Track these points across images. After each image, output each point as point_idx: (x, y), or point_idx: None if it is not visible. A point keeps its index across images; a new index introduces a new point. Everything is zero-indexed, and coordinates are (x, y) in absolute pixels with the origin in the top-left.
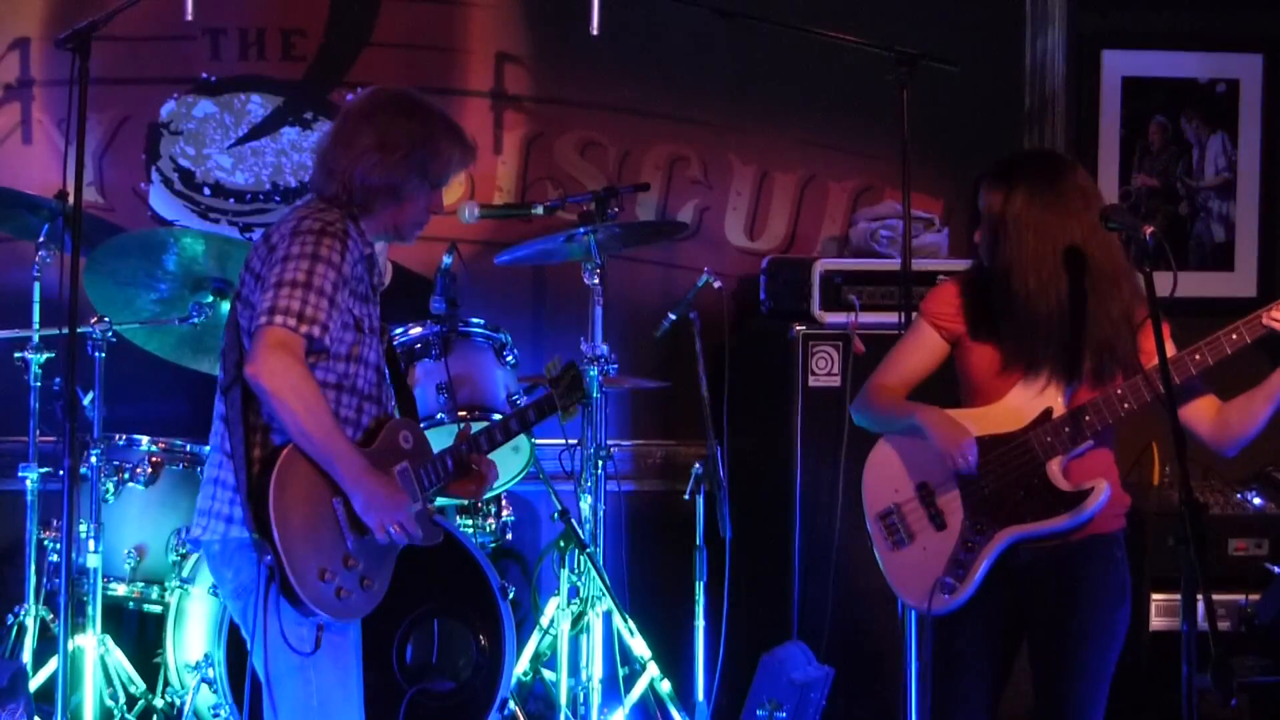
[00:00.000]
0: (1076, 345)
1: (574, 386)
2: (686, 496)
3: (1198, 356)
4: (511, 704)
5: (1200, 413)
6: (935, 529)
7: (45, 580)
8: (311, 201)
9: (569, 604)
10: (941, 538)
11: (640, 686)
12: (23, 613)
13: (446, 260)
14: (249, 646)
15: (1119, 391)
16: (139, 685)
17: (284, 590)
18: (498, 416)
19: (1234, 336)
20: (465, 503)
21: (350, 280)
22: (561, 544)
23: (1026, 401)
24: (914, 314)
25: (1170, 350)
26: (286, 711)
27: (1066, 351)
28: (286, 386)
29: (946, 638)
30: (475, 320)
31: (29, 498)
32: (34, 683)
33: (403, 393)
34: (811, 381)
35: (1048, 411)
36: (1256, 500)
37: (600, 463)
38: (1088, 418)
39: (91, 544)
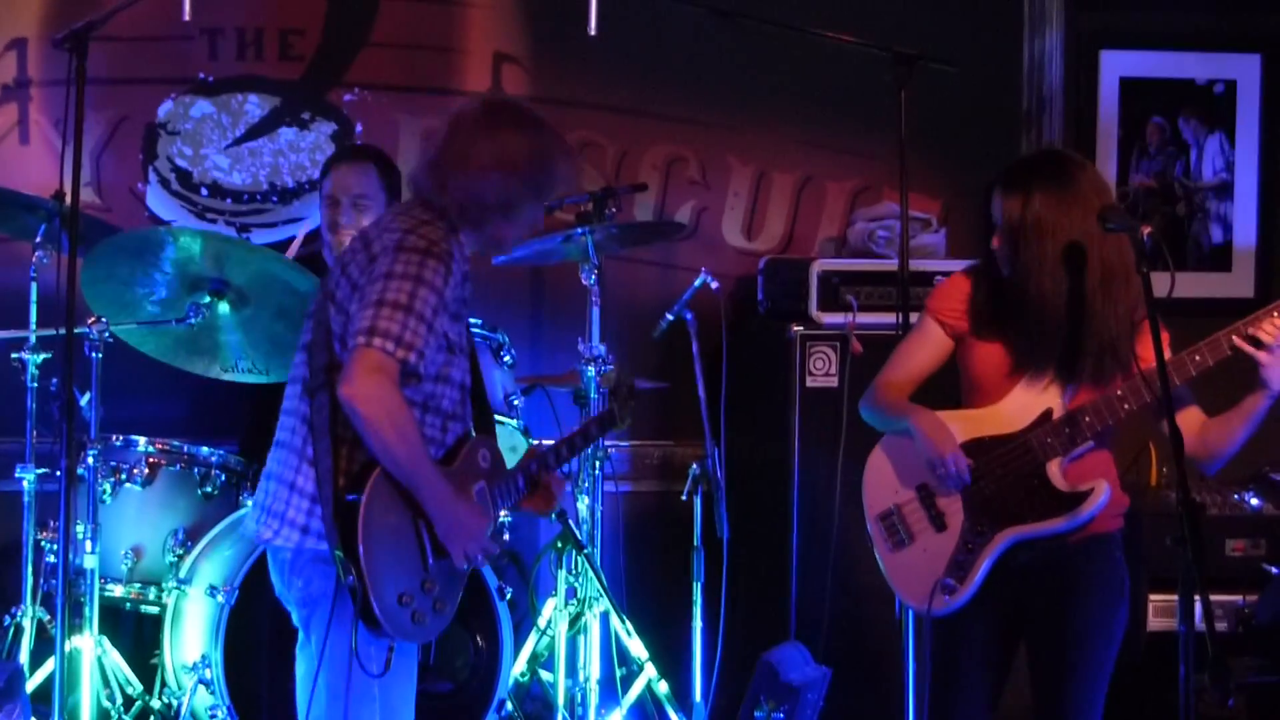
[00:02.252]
0: (1081, 345)
1: (630, 396)
2: (684, 497)
3: (1198, 357)
4: (509, 705)
5: (1183, 427)
6: (935, 530)
7: (42, 581)
8: (414, 208)
9: (566, 605)
10: (942, 539)
11: (638, 687)
12: (20, 614)
13: None
14: (316, 658)
15: (1119, 393)
16: (136, 686)
17: (364, 614)
18: (496, 416)
19: (1234, 339)
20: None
21: (449, 304)
22: (559, 545)
23: (1027, 402)
24: (912, 314)
25: (1167, 355)
26: None
27: (1071, 352)
28: (383, 413)
29: (946, 638)
30: (473, 320)
31: (26, 499)
32: (31, 684)
33: (482, 408)
34: (809, 382)
35: (1047, 412)
36: (1254, 501)
37: (597, 463)
38: (1087, 419)
39: (88, 545)
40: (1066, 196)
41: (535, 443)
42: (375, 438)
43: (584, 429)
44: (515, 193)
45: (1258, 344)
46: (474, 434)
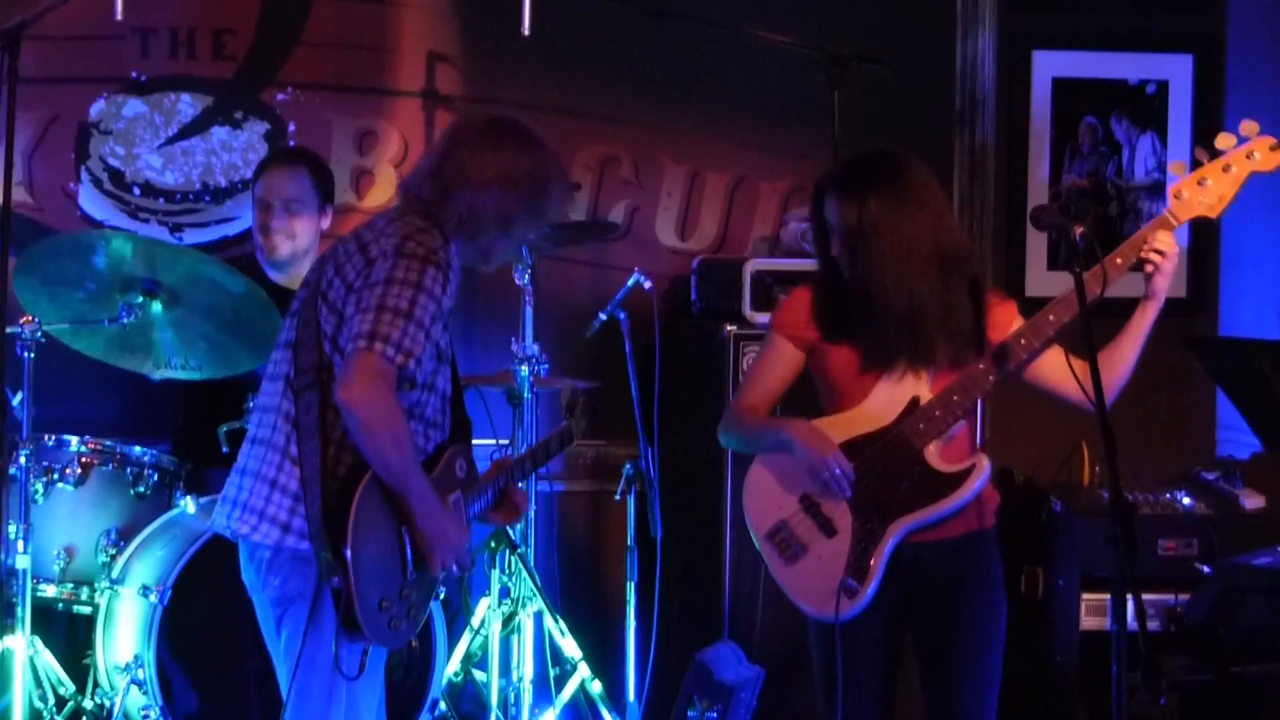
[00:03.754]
0: (933, 335)
1: (584, 412)
2: (617, 497)
3: (1051, 317)
4: (443, 705)
5: (1063, 374)
6: (826, 536)
7: None
8: (408, 214)
9: (500, 604)
10: (834, 544)
11: (571, 687)
12: None
13: None
14: (286, 657)
15: (981, 367)
16: (68, 687)
17: (346, 617)
18: None
19: (1131, 255)
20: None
21: (444, 314)
22: (492, 544)
23: (891, 396)
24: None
25: (1018, 323)
26: None
27: (923, 343)
28: (381, 419)
29: (847, 639)
30: None
31: None
32: None
33: (459, 417)
34: (742, 381)
35: (915, 400)
36: (1186, 500)
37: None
38: (956, 398)
39: (20, 545)
40: (900, 197)
41: (503, 456)
42: (372, 443)
43: (545, 444)
44: (514, 210)
45: (1158, 253)
46: (451, 444)
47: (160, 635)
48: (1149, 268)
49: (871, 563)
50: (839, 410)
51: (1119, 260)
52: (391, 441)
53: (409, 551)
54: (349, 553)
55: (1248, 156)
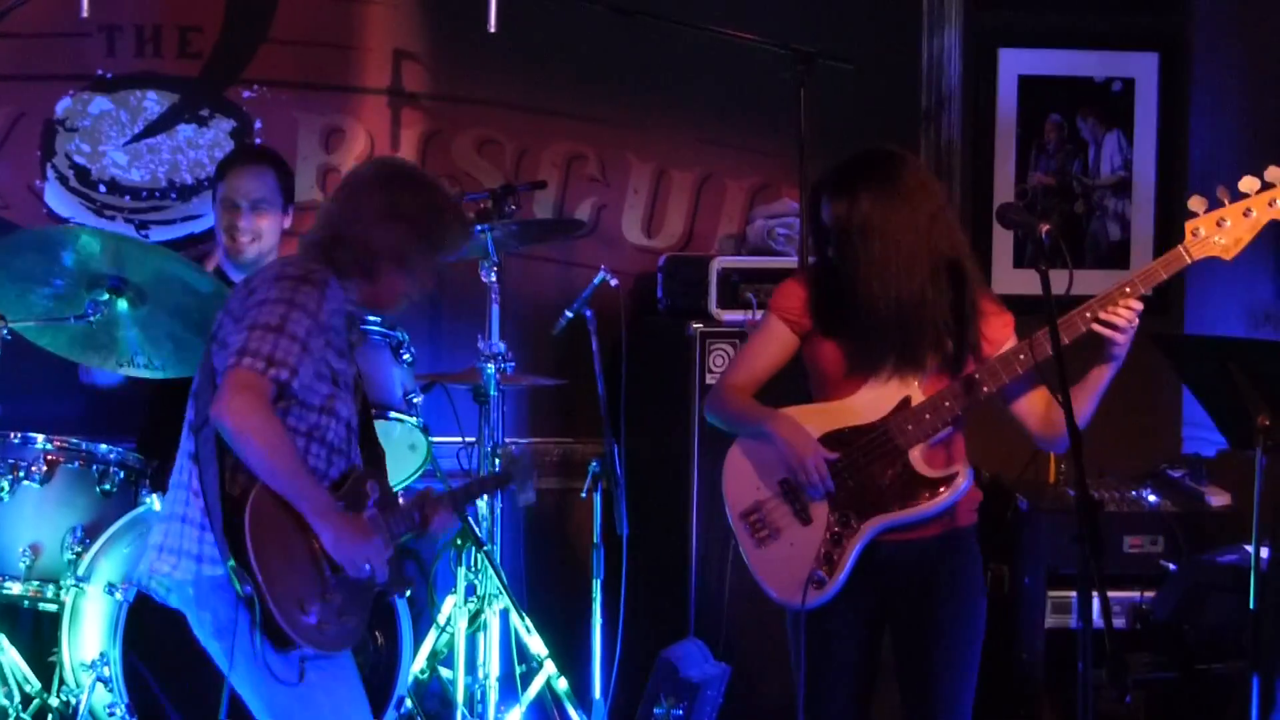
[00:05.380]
0: (919, 339)
1: (527, 474)
2: (584, 494)
3: (1022, 356)
4: (408, 702)
5: (1031, 408)
6: (801, 524)
7: None
8: (301, 255)
9: (466, 602)
10: (808, 532)
11: (537, 684)
12: None
13: None
14: (247, 683)
15: (976, 376)
16: (34, 684)
17: (265, 621)
18: (394, 414)
19: (1093, 326)
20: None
21: (327, 329)
22: (458, 541)
23: (879, 396)
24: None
25: (1012, 341)
26: None
27: (909, 347)
28: (249, 427)
29: (817, 632)
30: (372, 318)
31: None
32: None
33: (372, 448)
34: (708, 379)
35: (906, 400)
36: (1151, 498)
37: (497, 460)
38: (947, 403)
39: None
40: (892, 196)
41: (427, 488)
42: (248, 449)
43: (481, 483)
44: (408, 242)
45: (1113, 327)
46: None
47: (126, 633)
48: (1116, 336)
49: (842, 556)
50: (828, 400)
51: (1090, 314)
52: (267, 447)
53: (323, 559)
54: (252, 556)
55: (1270, 204)
